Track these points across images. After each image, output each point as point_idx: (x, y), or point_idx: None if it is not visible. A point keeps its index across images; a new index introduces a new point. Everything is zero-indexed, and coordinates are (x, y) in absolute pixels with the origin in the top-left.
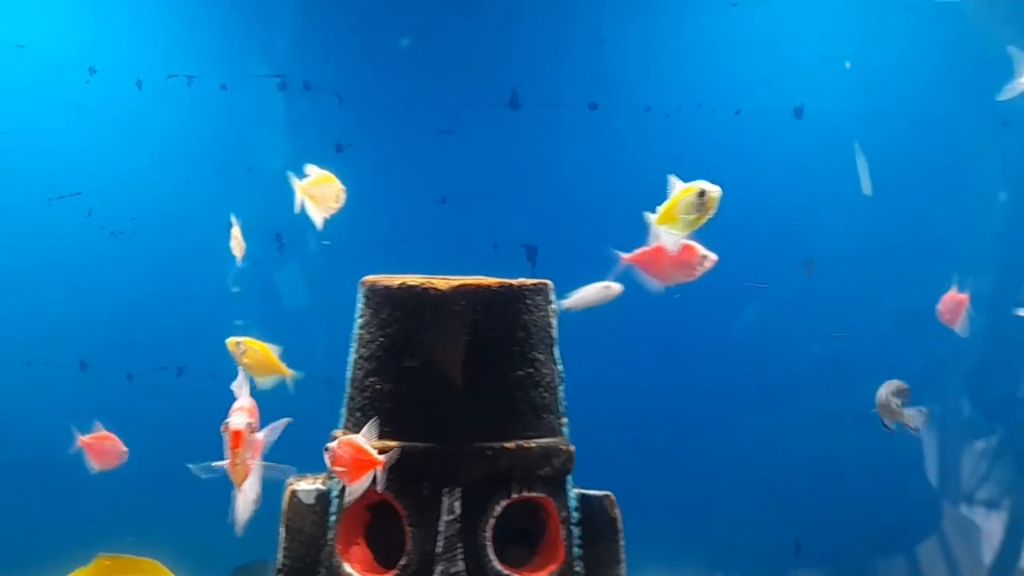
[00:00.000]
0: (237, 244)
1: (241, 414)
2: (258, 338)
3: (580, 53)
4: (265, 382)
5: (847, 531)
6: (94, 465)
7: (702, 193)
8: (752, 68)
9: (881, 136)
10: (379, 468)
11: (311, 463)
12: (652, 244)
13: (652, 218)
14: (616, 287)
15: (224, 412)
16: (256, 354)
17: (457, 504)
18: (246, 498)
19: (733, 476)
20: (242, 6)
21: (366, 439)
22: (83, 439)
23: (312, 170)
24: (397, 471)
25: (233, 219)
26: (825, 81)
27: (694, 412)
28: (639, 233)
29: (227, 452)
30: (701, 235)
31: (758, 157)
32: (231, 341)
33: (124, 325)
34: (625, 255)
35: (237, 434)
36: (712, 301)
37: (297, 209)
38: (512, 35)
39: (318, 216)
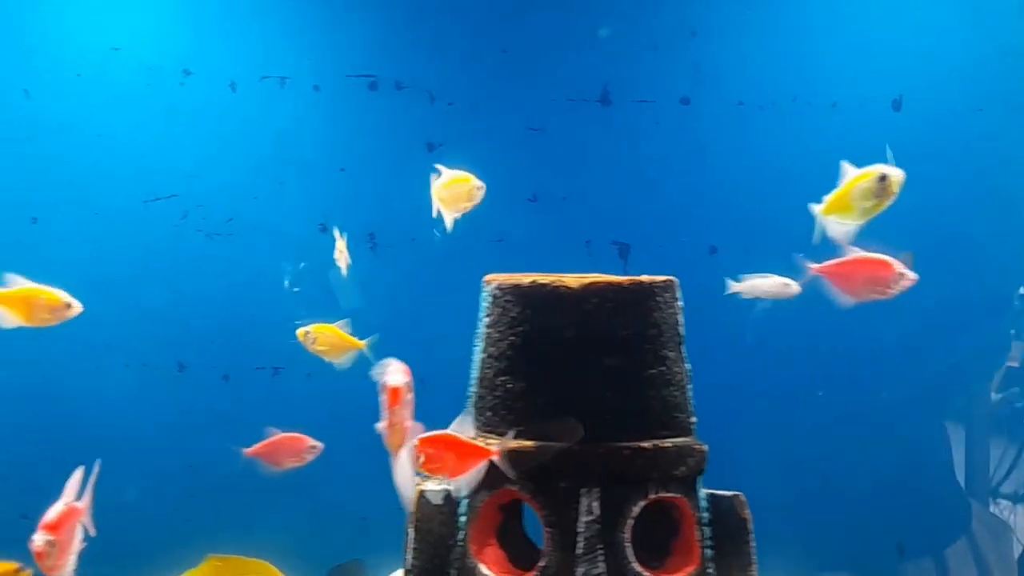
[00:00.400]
0: (342, 256)
1: (398, 371)
2: (325, 322)
3: (671, 47)
4: (343, 362)
5: (947, 532)
6: (276, 466)
7: (883, 177)
8: (848, 59)
9: (979, 128)
10: (495, 458)
11: None
12: (844, 255)
13: (818, 209)
14: (795, 287)
15: (319, 412)
16: (327, 338)
17: (596, 504)
18: (405, 470)
19: (840, 477)
20: (334, 6)
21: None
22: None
23: (444, 170)
24: (532, 470)
25: (338, 233)
26: (924, 72)
27: (805, 415)
28: (732, 229)
29: (384, 412)
30: (794, 231)
31: (856, 151)
32: (300, 332)
33: (220, 326)
34: (814, 265)
35: (396, 391)
36: (814, 303)
37: (435, 213)
38: (603, 29)
39: (449, 216)
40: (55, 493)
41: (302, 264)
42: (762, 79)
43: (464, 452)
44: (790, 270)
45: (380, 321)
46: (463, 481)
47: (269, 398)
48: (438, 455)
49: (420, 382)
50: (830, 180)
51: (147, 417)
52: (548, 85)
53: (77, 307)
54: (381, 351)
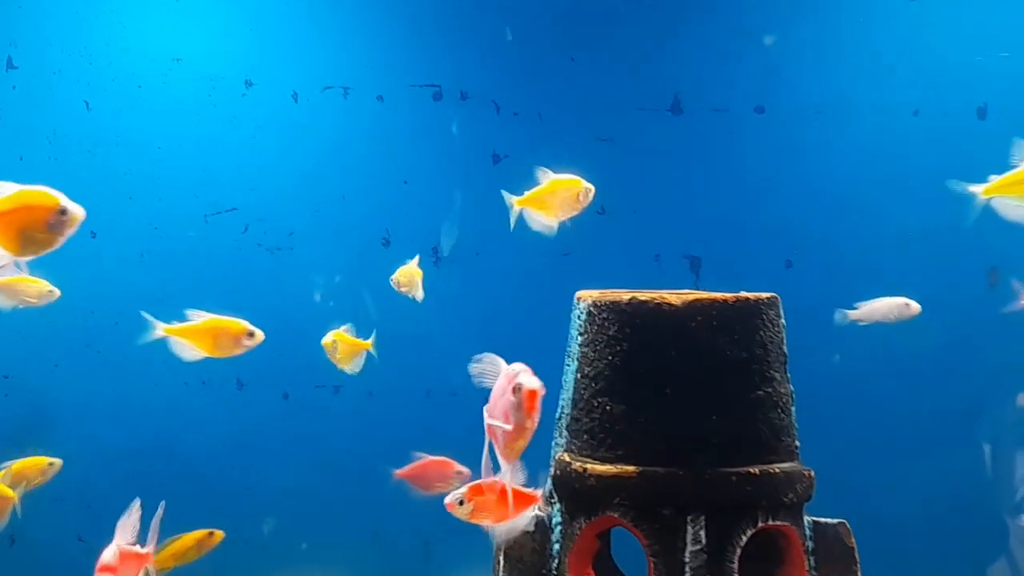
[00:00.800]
0: (408, 280)
1: (528, 373)
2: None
3: (746, 54)
4: (354, 367)
5: None
6: (425, 490)
7: None
8: (931, 66)
9: None
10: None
11: None
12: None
13: (980, 190)
14: (915, 306)
15: (381, 431)
16: (344, 346)
17: (703, 533)
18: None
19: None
20: (397, 16)
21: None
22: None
23: (545, 174)
24: (635, 497)
25: (414, 266)
26: (1010, 78)
27: (899, 433)
28: (810, 242)
29: (515, 415)
30: (852, 239)
31: (939, 159)
32: (326, 343)
33: (280, 343)
34: None
35: (533, 393)
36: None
37: (512, 225)
38: (674, 36)
39: (550, 221)
40: (110, 515)
41: (337, 278)
42: (841, 86)
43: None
44: (868, 284)
45: (445, 339)
46: (503, 528)
47: (329, 417)
48: (487, 503)
49: (483, 400)
50: (914, 190)
51: (205, 436)
52: (617, 93)
53: (259, 335)
54: (428, 361)
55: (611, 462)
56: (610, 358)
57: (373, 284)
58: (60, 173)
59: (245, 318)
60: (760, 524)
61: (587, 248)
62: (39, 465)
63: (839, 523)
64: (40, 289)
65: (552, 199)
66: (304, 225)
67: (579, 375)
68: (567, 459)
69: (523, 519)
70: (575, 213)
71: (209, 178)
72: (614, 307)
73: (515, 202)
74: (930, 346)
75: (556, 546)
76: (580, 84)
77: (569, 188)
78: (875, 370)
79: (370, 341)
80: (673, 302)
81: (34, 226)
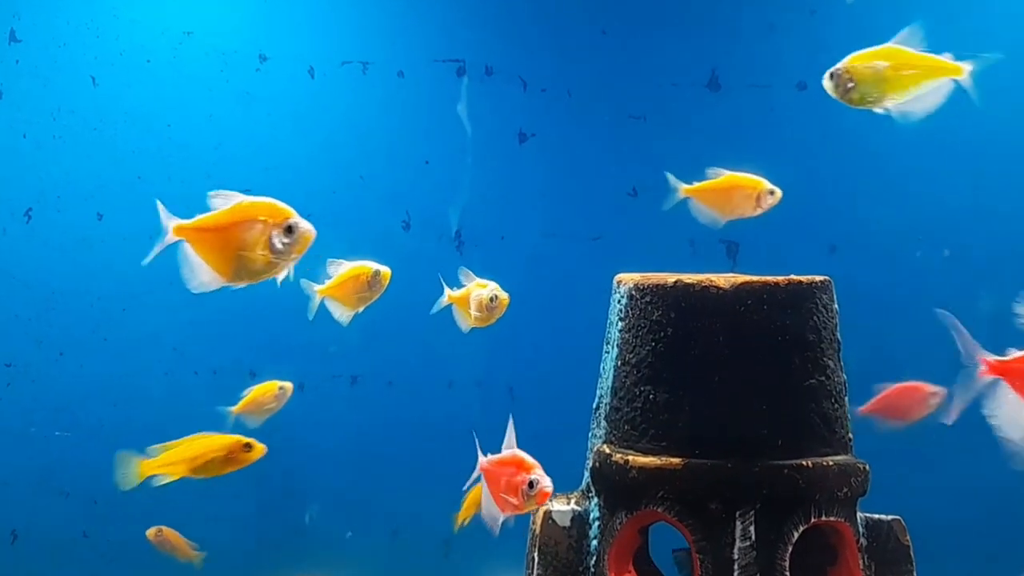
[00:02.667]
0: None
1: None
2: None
3: (787, 27)
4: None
5: None
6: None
7: None
8: (984, 35)
9: None
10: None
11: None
12: None
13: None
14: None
15: (401, 424)
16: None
17: (752, 528)
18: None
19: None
20: None
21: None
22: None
23: (718, 172)
24: (680, 490)
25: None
26: None
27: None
28: (854, 226)
29: (519, 500)
30: (901, 223)
31: (990, 137)
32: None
33: (294, 332)
34: None
35: (545, 495)
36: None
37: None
38: (711, 8)
39: (719, 216)
40: (116, 511)
41: (340, 262)
42: None
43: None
44: (917, 266)
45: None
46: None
47: (347, 409)
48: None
49: (508, 391)
50: (966, 172)
51: (216, 428)
52: (651, 69)
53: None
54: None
55: (654, 453)
56: (653, 344)
57: (392, 269)
58: (65, 151)
59: (257, 305)
60: (812, 520)
61: (618, 232)
62: (271, 390)
63: (894, 520)
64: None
65: (726, 196)
66: (320, 207)
67: (619, 362)
68: (607, 450)
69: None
70: (750, 215)
71: (221, 157)
72: (658, 290)
73: (683, 189)
74: (984, 333)
75: (594, 542)
76: (612, 59)
77: (749, 188)
78: (926, 359)
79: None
80: (721, 285)
81: (254, 246)
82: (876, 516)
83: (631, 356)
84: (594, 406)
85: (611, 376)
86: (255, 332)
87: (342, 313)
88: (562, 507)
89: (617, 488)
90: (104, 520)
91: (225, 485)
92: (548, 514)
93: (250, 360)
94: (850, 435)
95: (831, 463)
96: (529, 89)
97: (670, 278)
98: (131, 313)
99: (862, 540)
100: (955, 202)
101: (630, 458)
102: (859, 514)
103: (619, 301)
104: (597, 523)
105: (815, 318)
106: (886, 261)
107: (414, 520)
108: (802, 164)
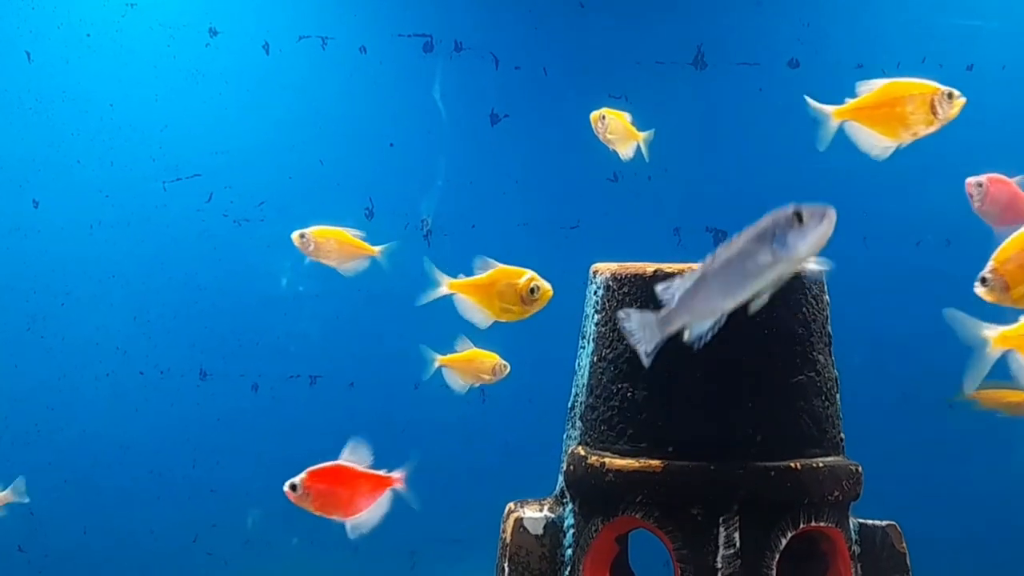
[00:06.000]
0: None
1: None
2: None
3: (778, 1)
4: (350, 269)
5: None
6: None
7: None
8: (987, 17)
9: None
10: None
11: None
12: None
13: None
14: None
15: (364, 428)
16: (329, 244)
17: (736, 535)
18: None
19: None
20: None
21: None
22: None
23: (869, 84)
24: (659, 494)
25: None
26: None
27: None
28: (850, 214)
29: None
30: (896, 209)
31: (995, 119)
32: (295, 236)
33: (250, 328)
34: None
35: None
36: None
37: (823, 146)
38: None
39: (887, 140)
40: (55, 525)
41: (306, 260)
42: (884, 37)
43: (359, 485)
44: (914, 260)
45: (436, 325)
46: (363, 520)
47: (305, 412)
48: (330, 491)
49: (479, 392)
50: (961, 157)
51: (163, 432)
52: (632, 46)
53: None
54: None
55: (632, 455)
56: None
57: (355, 260)
58: None
59: (208, 299)
60: (801, 525)
61: (598, 221)
62: (492, 361)
63: (888, 525)
64: (496, 363)
65: (892, 110)
66: (276, 194)
67: (595, 358)
68: (582, 452)
69: (378, 509)
70: (928, 130)
71: (168, 139)
72: (636, 281)
73: (832, 113)
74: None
75: (569, 551)
76: (591, 34)
77: (919, 94)
78: (923, 355)
79: (378, 249)
80: None
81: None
82: (870, 521)
83: (608, 351)
84: (569, 405)
85: (587, 373)
86: (206, 329)
87: (481, 318)
88: (534, 514)
89: (593, 493)
90: (41, 533)
91: (164, 488)
92: (519, 521)
93: (201, 359)
94: (842, 435)
95: (821, 464)
96: (501, 66)
97: (649, 268)
98: (70, 309)
99: (854, 547)
100: (959, 189)
101: (606, 460)
102: (851, 519)
103: (595, 293)
104: (572, 531)
105: (804, 310)
106: (883, 250)
107: (378, 529)
108: (794, 148)
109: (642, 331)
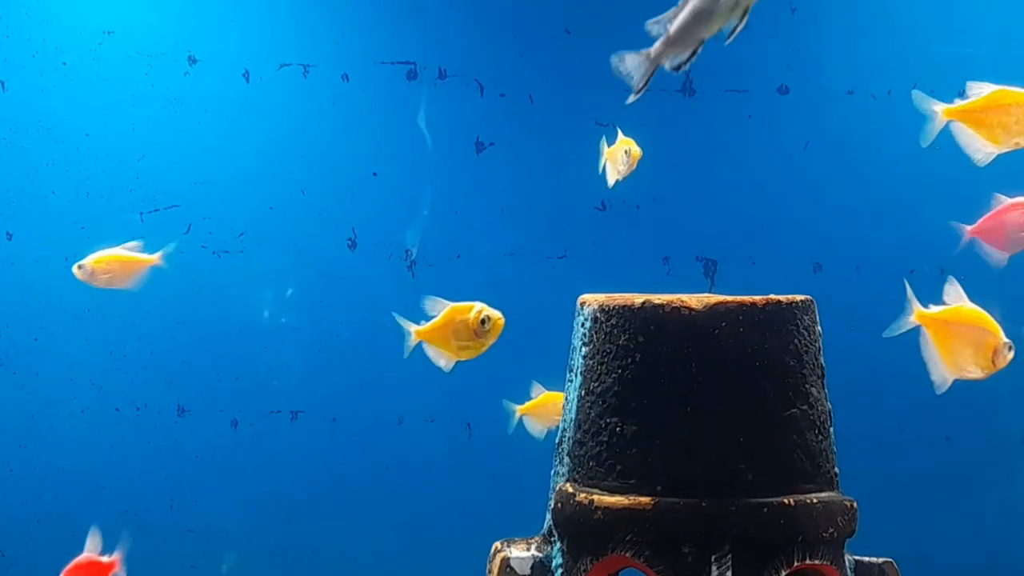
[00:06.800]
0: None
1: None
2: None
3: (767, 27)
4: (134, 285)
5: None
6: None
7: None
8: (979, 45)
9: None
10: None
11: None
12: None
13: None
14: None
15: (348, 464)
16: (108, 265)
17: (729, 574)
18: None
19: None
20: None
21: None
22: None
23: (980, 87)
24: (650, 532)
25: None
26: None
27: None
28: (841, 243)
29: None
30: (890, 239)
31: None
32: (75, 269)
33: (229, 362)
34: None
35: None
36: None
37: (926, 142)
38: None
39: (992, 146)
40: (26, 563)
41: (289, 291)
42: (876, 63)
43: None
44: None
45: (420, 358)
46: None
47: (286, 448)
48: None
49: (465, 427)
50: (961, 184)
51: (140, 470)
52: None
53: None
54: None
55: (621, 492)
56: (620, 371)
57: (337, 293)
58: None
59: (186, 332)
60: (795, 563)
61: (585, 250)
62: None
63: (885, 562)
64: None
65: (1000, 115)
66: (256, 225)
67: (583, 391)
68: (570, 489)
69: None
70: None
71: (146, 170)
72: (625, 312)
73: (942, 111)
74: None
75: None
76: (577, 61)
77: None
78: (919, 386)
79: (158, 255)
80: (694, 306)
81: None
82: (866, 559)
83: (596, 385)
84: (556, 441)
85: (574, 407)
86: (184, 364)
87: (443, 361)
88: (521, 553)
89: (581, 531)
90: (12, 573)
91: (140, 528)
92: (506, 561)
93: (178, 395)
94: (836, 469)
95: (815, 500)
96: (486, 94)
97: (637, 299)
98: (44, 343)
99: None
100: (952, 218)
101: (595, 497)
102: (847, 556)
103: (583, 325)
104: (560, 570)
105: (796, 341)
106: (875, 279)
107: (361, 569)
108: (784, 175)
109: (637, 69)
